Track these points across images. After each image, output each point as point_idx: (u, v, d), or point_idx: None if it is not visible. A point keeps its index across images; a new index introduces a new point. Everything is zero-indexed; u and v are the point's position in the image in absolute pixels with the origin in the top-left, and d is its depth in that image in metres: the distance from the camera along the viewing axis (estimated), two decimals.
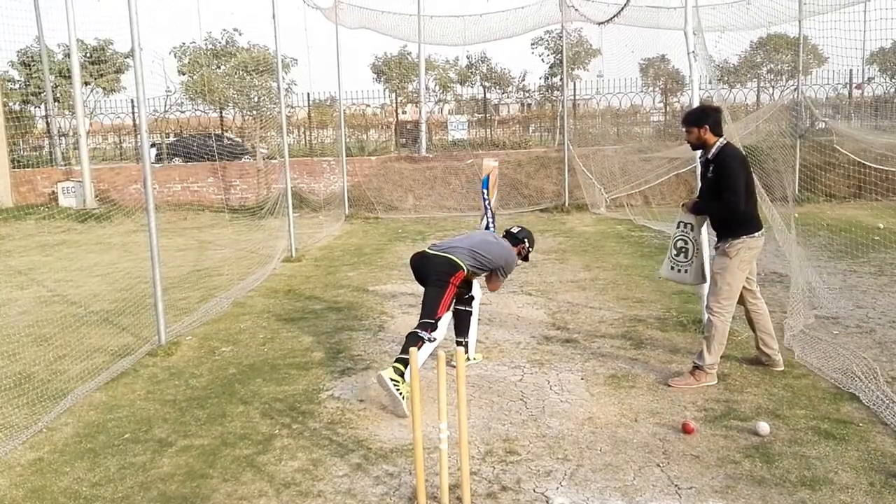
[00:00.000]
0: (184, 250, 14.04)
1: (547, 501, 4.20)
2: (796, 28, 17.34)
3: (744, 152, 6.13)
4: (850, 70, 21.26)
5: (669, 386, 5.88)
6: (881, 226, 13.27)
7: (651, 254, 11.81)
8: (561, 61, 21.58)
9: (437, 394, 3.84)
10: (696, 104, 7.13)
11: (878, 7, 7.75)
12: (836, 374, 5.89)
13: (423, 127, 23.35)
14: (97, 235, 16.40)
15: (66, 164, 22.05)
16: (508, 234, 6.67)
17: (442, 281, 5.98)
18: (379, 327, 8.00)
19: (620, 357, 6.70)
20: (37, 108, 27.98)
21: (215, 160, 20.73)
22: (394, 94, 30.65)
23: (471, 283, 6.40)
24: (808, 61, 22.76)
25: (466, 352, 6.43)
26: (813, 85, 22.17)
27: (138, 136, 7.91)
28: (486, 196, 7.26)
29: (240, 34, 28.71)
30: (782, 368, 6.12)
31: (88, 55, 28.59)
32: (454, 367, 4.51)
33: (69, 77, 21.79)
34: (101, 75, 29.10)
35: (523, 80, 32.47)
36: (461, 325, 6.46)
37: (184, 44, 29.52)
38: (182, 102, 27.01)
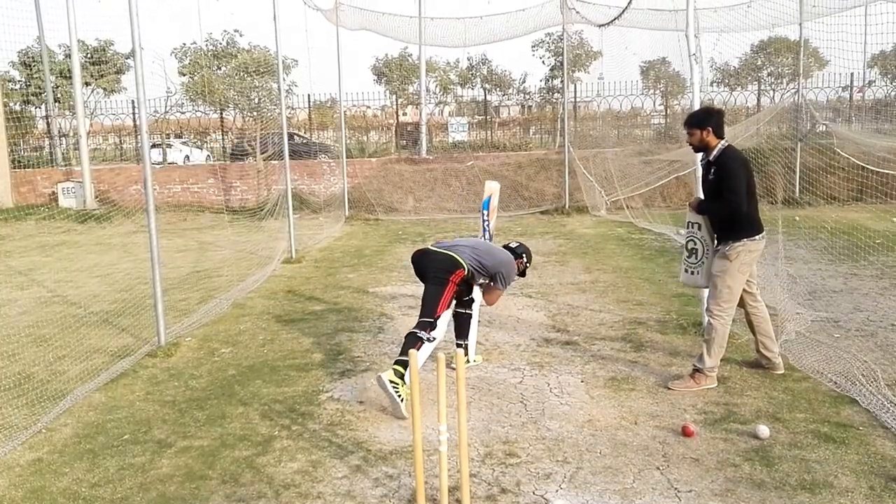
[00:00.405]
0: (184, 251, 14.04)
1: None
2: (797, 31, 17.34)
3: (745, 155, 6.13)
4: (851, 73, 21.29)
5: (669, 389, 5.87)
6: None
7: (651, 256, 11.81)
8: (561, 63, 21.59)
9: (436, 396, 3.83)
10: (696, 107, 7.13)
11: (880, 11, 7.75)
12: (836, 378, 5.89)
13: (424, 129, 23.35)
14: (97, 236, 16.40)
15: (66, 165, 22.06)
16: (507, 249, 6.64)
17: (441, 278, 5.96)
18: (379, 329, 8.00)
19: (620, 360, 6.69)
20: (37, 109, 28.00)
21: (292, 159, 20.82)
22: (394, 96, 30.66)
23: (471, 285, 6.35)
24: (808, 64, 22.77)
25: (466, 354, 6.41)
26: (814, 88, 22.18)
27: (139, 137, 7.90)
28: (486, 218, 7.30)
29: (240, 35, 28.74)
30: (782, 371, 6.11)
31: (89, 55, 28.60)
32: (454, 369, 4.50)
33: (70, 77, 21.80)
34: (102, 76, 29.11)
35: (524, 82, 32.51)
36: (461, 328, 6.46)
37: (184, 44, 29.54)
38: (182, 103, 27.02)
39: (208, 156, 27.79)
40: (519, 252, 6.66)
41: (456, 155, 22.22)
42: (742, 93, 26.61)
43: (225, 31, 29.29)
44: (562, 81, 21.66)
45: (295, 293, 9.89)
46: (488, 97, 30.17)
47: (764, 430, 4.93)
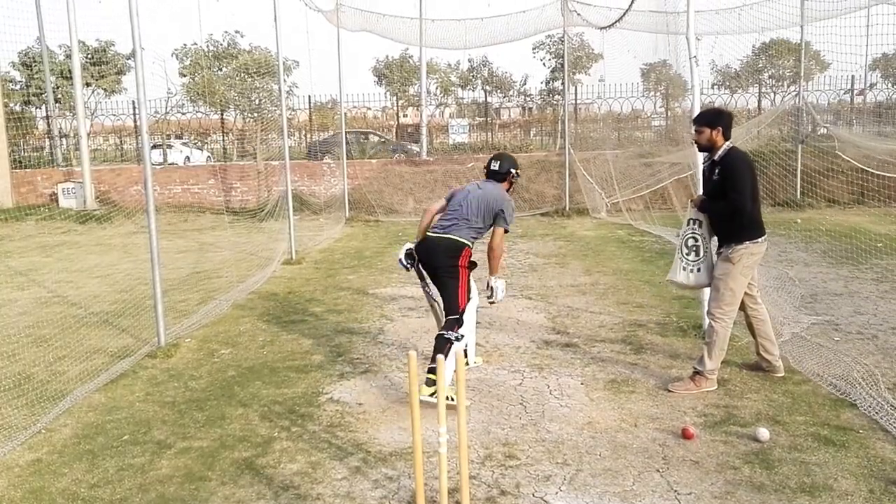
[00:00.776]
0: (184, 252, 14.03)
1: None
2: (798, 33, 17.35)
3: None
4: (853, 76, 21.29)
5: (669, 391, 5.87)
6: None
7: (651, 258, 11.80)
8: (562, 65, 21.60)
9: (437, 397, 3.83)
10: (696, 109, 7.13)
11: (881, 13, 7.76)
12: (836, 381, 5.88)
13: (424, 130, 23.35)
14: (97, 236, 16.40)
15: (66, 165, 22.06)
16: (492, 174, 6.28)
17: (453, 268, 5.85)
18: (379, 330, 7.99)
19: (620, 362, 6.69)
20: (38, 109, 28.03)
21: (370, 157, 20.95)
22: (395, 98, 30.68)
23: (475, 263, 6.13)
24: (810, 67, 22.74)
25: (466, 356, 6.33)
26: (815, 91, 22.17)
27: (139, 138, 7.90)
28: None
29: (241, 36, 28.78)
30: (783, 374, 6.11)
31: (90, 56, 28.64)
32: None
33: (70, 78, 21.81)
34: (103, 76, 29.15)
35: (525, 84, 32.56)
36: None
37: (185, 45, 29.61)
38: (183, 104, 27.06)
39: (209, 157, 27.81)
40: (504, 170, 6.27)
41: (456, 157, 22.22)
42: (743, 95, 26.63)
43: (226, 31, 29.34)
44: (562, 83, 21.68)
45: (295, 294, 9.89)
46: (489, 99, 30.20)
47: (764, 432, 4.93)
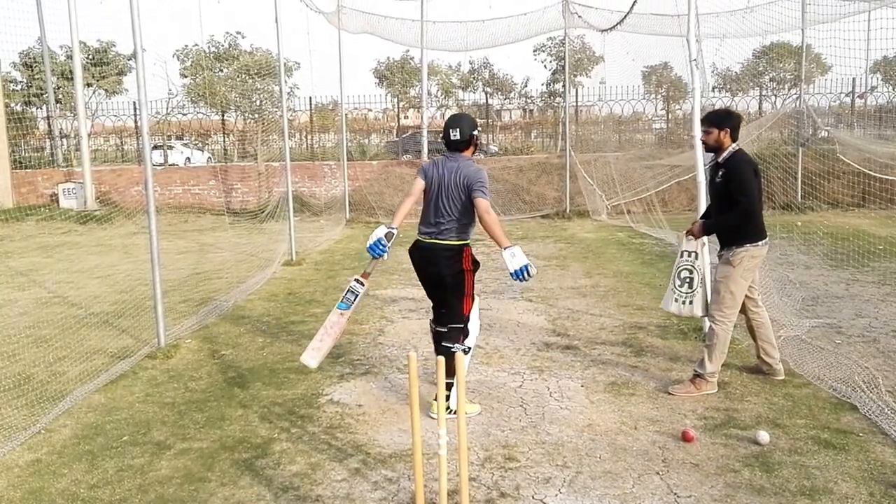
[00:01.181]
0: (184, 253, 14.03)
1: None
2: (799, 37, 17.35)
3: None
4: (854, 79, 21.28)
5: (670, 394, 5.87)
6: None
7: (652, 261, 11.80)
8: (563, 68, 21.60)
9: (437, 399, 3.82)
10: (697, 112, 7.13)
11: (882, 17, 7.77)
12: (836, 384, 5.88)
13: (425, 132, 23.33)
14: (98, 237, 16.40)
15: (67, 166, 22.07)
16: (453, 144, 5.71)
17: (459, 273, 5.54)
18: (379, 332, 7.99)
19: (620, 364, 6.69)
20: (38, 110, 28.03)
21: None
22: (396, 99, 30.69)
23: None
24: (810, 70, 22.74)
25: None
26: (816, 94, 22.17)
27: (140, 139, 7.91)
28: None
29: (242, 37, 28.81)
30: (783, 377, 6.10)
31: (91, 57, 28.66)
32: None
33: (71, 78, 21.83)
34: (104, 77, 29.16)
35: (526, 86, 32.57)
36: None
37: (186, 46, 29.62)
38: (184, 105, 27.07)
39: (209, 158, 27.81)
40: (465, 137, 5.67)
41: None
42: (744, 98, 26.63)
43: (227, 32, 29.34)
44: (563, 85, 21.68)
45: (295, 295, 9.89)
46: (490, 101, 30.19)
47: (764, 435, 4.92)
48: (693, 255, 6.07)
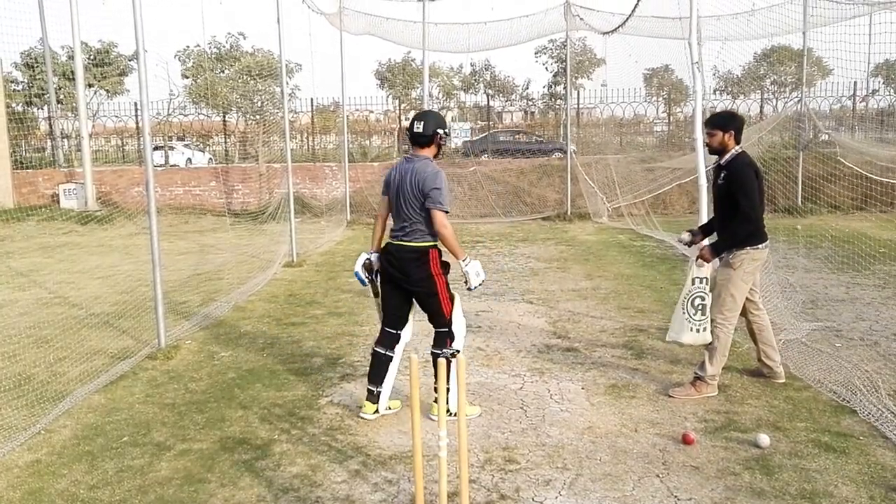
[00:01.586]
0: (185, 254, 14.04)
1: None
2: (801, 39, 17.36)
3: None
4: (855, 82, 21.28)
5: (670, 396, 5.86)
6: None
7: (653, 264, 11.80)
8: (564, 70, 21.61)
9: (437, 401, 3.82)
10: (699, 114, 7.13)
11: (884, 20, 7.76)
12: (837, 388, 5.87)
13: None
14: (98, 238, 16.40)
15: (68, 166, 22.09)
16: (416, 138, 5.44)
17: (428, 278, 5.36)
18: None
19: (621, 367, 6.68)
20: (39, 110, 28.06)
21: (525, 157, 20.94)
22: (397, 101, 30.71)
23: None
24: (812, 73, 22.77)
25: (377, 402, 5.60)
26: (817, 97, 22.19)
27: (141, 139, 7.91)
28: None
29: (244, 38, 28.81)
30: (783, 380, 6.10)
31: (92, 57, 28.68)
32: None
33: (72, 79, 21.84)
34: (105, 77, 29.19)
35: (527, 88, 32.60)
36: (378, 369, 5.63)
37: (188, 47, 29.64)
38: (185, 106, 27.08)
39: (210, 159, 27.82)
40: (429, 132, 5.41)
41: (458, 160, 22.23)
42: (745, 101, 26.64)
43: (229, 33, 29.36)
44: (565, 88, 21.69)
45: (296, 297, 9.89)
46: (491, 103, 30.21)
47: (764, 438, 4.92)
48: (704, 280, 5.98)
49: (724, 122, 5.92)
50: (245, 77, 25.92)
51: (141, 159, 20.38)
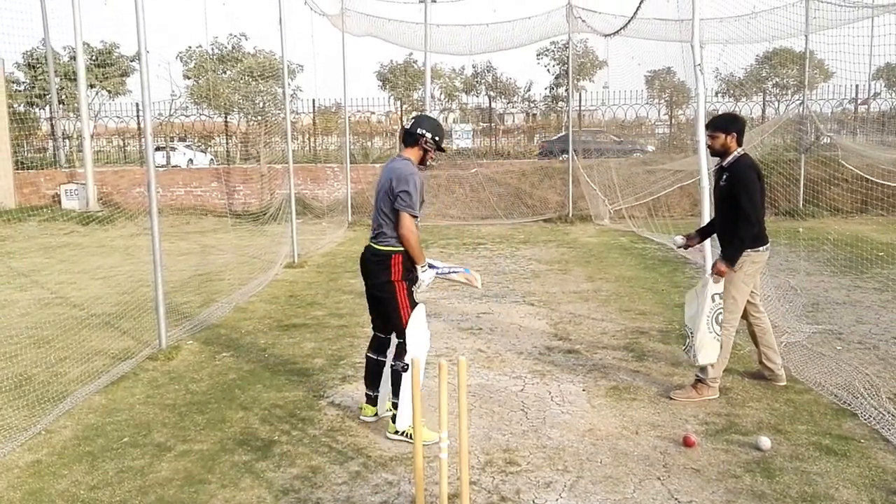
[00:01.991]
0: (186, 254, 14.04)
1: None
2: (803, 42, 17.36)
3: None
4: (857, 85, 21.29)
5: (671, 398, 5.86)
6: None
7: (654, 266, 11.79)
8: (566, 72, 21.61)
9: (437, 403, 3.82)
10: (701, 116, 7.13)
11: (886, 23, 7.76)
12: (837, 390, 5.87)
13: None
14: (99, 238, 16.40)
15: (69, 167, 22.09)
16: (404, 136, 5.41)
17: (387, 284, 5.20)
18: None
19: (622, 369, 6.68)
20: (41, 110, 28.08)
21: (609, 157, 20.94)
22: (399, 102, 30.72)
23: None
24: (813, 76, 22.75)
25: (376, 405, 5.56)
26: (818, 100, 22.18)
27: (143, 140, 7.91)
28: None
29: (246, 39, 28.82)
30: (784, 383, 6.09)
31: (94, 58, 28.69)
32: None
33: (74, 79, 21.84)
34: (107, 78, 29.21)
35: (529, 90, 32.60)
36: (375, 376, 5.57)
37: (190, 48, 29.65)
38: (187, 107, 27.09)
39: (212, 160, 27.82)
40: (414, 129, 5.34)
41: (460, 162, 22.23)
42: (747, 103, 26.63)
43: (231, 34, 29.37)
44: (566, 90, 21.69)
45: (297, 298, 9.89)
46: (493, 104, 30.21)
47: (765, 441, 4.91)
48: (719, 295, 5.81)
49: (726, 125, 5.91)
50: (247, 78, 25.93)
51: (142, 160, 20.37)
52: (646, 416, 5.55)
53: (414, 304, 5.24)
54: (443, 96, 32.32)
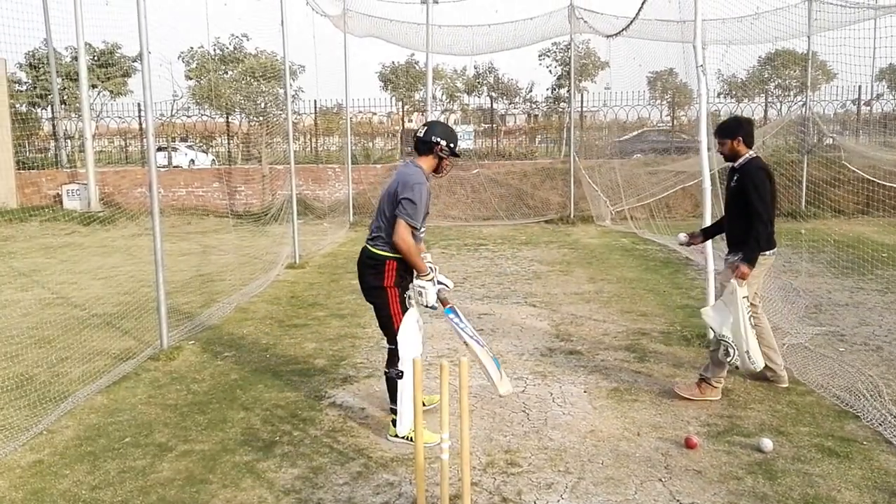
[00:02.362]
0: (187, 255, 14.04)
1: None
2: (805, 43, 17.35)
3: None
4: (859, 86, 21.27)
5: (675, 391, 5.86)
6: None
7: (656, 267, 11.78)
8: (568, 73, 21.60)
9: (439, 403, 3.81)
10: (704, 118, 7.12)
11: (888, 24, 7.76)
12: (840, 392, 5.86)
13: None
14: (101, 238, 16.40)
15: (71, 167, 22.09)
16: (416, 144, 5.34)
17: (378, 290, 5.19)
18: (382, 335, 7.94)
19: (624, 370, 6.67)
20: (43, 111, 28.07)
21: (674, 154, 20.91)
22: (400, 103, 30.71)
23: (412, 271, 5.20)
24: (816, 77, 22.75)
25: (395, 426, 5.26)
26: (821, 101, 22.17)
27: (144, 140, 7.92)
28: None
29: (248, 39, 28.80)
30: (787, 385, 6.08)
31: (96, 58, 28.71)
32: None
33: (76, 80, 21.85)
34: (109, 78, 29.21)
35: (530, 90, 32.58)
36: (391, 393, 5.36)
37: (191, 48, 29.65)
38: (188, 107, 27.08)
39: (213, 160, 27.81)
40: (428, 138, 5.26)
41: (461, 163, 22.20)
42: (749, 105, 26.61)
43: (232, 35, 29.36)
44: (568, 91, 21.68)
45: (298, 298, 9.88)
46: (494, 105, 30.21)
47: (767, 443, 4.90)
48: (747, 298, 5.73)
49: (731, 130, 5.95)
50: (248, 78, 25.92)
51: (144, 160, 20.40)
52: (647, 418, 5.54)
53: (405, 310, 5.18)
54: (444, 97, 32.34)
